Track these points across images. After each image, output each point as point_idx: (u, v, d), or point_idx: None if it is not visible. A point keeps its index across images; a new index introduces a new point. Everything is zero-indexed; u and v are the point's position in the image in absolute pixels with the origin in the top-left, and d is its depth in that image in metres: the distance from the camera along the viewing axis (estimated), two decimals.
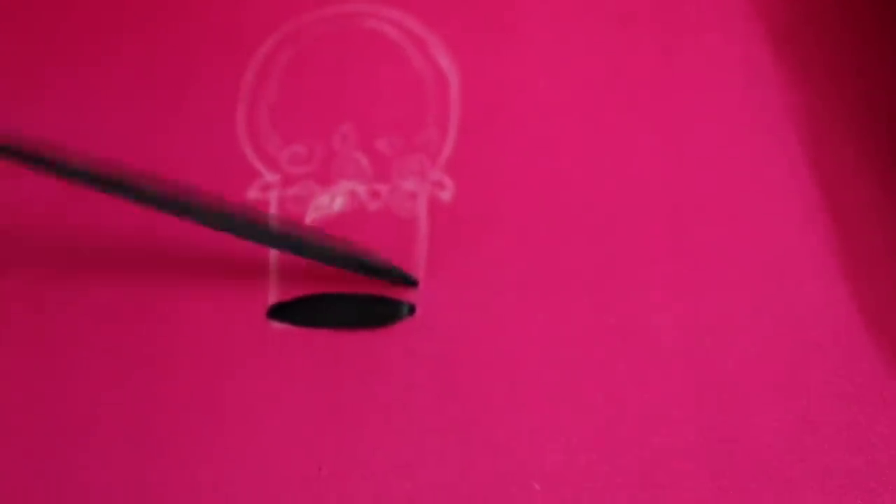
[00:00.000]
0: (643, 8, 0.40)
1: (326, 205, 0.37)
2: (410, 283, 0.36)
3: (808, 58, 0.38)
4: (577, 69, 0.38)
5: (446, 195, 0.37)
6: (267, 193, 0.38)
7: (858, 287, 0.35)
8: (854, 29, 0.38)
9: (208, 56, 0.39)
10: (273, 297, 0.36)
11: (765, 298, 0.35)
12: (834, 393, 0.34)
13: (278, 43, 0.39)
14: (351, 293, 0.36)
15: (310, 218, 0.37)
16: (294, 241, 0.35)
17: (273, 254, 0.36)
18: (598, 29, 0.39)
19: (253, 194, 0.38)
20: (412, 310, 0.36)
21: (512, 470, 0.34)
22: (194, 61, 0.39)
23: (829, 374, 0.34)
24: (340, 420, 0.35)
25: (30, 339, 0.36)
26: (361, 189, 0.37)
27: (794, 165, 0.37)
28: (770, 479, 0.33)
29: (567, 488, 0.34)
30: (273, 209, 0.37)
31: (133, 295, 0.36)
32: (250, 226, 0.35)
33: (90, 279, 0.36)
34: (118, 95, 0.39)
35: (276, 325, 0.36)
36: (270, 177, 0.38)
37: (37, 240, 0.37)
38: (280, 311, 0.36)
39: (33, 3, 0.42)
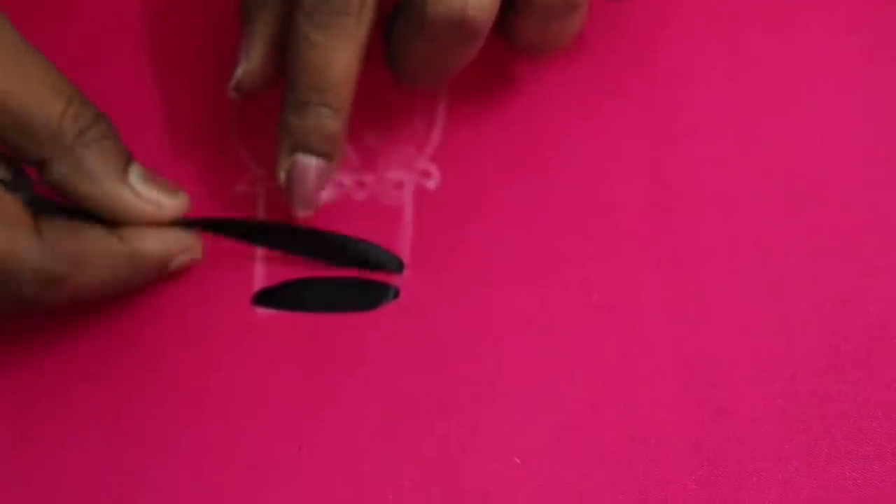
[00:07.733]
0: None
1: None
2: (396, 267, 0.36)
3: None
4: (557, 63, 0.39)
5: (432, 184, 0.38)
6: (255, 187, 0.38)
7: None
8: None
9: (201, 50, 0.40)
10: (259, 283, 0.36)
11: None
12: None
13: None
14: (336, 277, 0.36)
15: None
16: (281, 238, 0.36)
17: None
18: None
19: (242, 187, 0.38)
20: (397, 293, 0.36)
21: (494, 446, 0.34)
22: (187, 55, 0.40)
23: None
24: (322, 401, 0.35)
25: (14, 327, 0.36)
26: (348, 180, 0.38)
27: None
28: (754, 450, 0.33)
29: (548, 463, 0.34)
30: (261, 202, 0.38)
31: None
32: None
33: None
34: (114, 84, 0.39)
35: (262, 311, 0.36)
36: (259, 170, 0.38)
37: None
38: (265, 297, 0.36)
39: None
